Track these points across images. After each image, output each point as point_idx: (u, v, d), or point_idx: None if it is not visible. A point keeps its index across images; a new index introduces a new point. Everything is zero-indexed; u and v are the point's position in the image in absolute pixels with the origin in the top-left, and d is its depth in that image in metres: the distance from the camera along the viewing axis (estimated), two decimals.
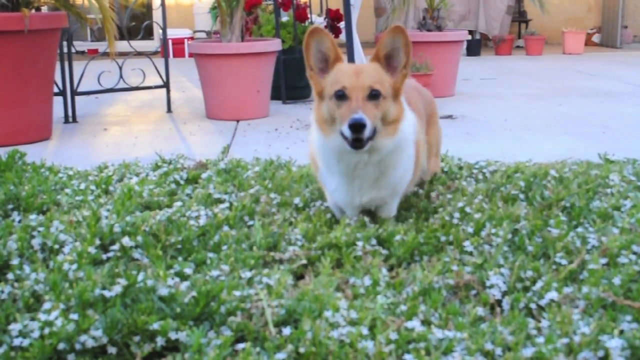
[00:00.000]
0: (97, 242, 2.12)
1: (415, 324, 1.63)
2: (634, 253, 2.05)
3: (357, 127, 2.04)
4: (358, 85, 2.12)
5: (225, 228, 2.32)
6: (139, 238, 2.16)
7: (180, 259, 2.08)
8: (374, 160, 2.23)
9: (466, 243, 2.15)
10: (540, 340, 1.55)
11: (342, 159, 2.24)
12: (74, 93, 5.26)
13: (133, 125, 5.21)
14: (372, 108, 2.11)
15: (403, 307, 1.73)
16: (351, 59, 6.09)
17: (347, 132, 2.07)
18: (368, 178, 2.29)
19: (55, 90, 4.93)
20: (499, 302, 1.83)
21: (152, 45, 9.19)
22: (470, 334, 1.60)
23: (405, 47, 2.21)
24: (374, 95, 2.12)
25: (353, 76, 2.14)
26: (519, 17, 13.24)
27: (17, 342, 1.56)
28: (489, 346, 1.55)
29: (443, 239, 2.22)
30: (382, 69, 2.23)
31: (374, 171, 2.27)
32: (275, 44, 5.50)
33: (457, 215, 2.40)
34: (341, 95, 2.13)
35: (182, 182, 3.01)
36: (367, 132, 2.07)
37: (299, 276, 2.04)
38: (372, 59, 2.26)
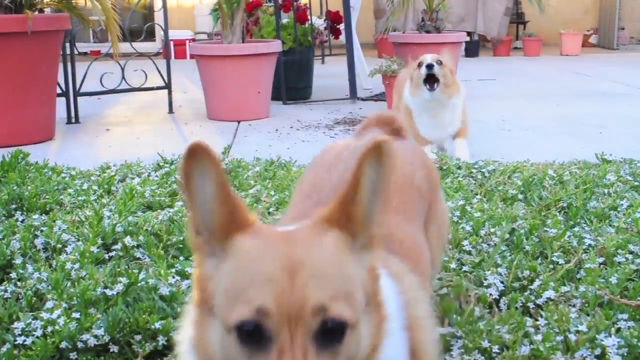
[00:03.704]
0: (100, 241, 2.14)
1: None
2: (630, 252, 2.07)
3: None
4: (292, 308, 0.91)
5: None
6: (141, 238, 2.18)
7: (181, 258, 2.10)
8: None
9: (465, 242, 2.17)
10: (538, 338, 1.57)
11: None
12: (77, 94, 5.27)
13: (135, 125, 5.23)
14: None
15: None
16: (351, 61, 6.11)
17: None
18: None
19: (58, 91, 4.94)
20: (496, 301, 1.85)
21: (154, 46, 9.19)
22: (468, 332, 1.61)
23: (387, 180, 0.98)
24: (329, 329, 0.92)
25: (281, 282, 0.92)
26: (517, 18, 13.24)
27: (20, 340, 1.59)
28: (486, 344, 1.56)
29: None
30: (345, 247, 0.98)
31: None
32: (275, 46, 5.52)
33: (457, 213, 2.42)
34: (251, 333, 0.91)
35: None
36: None
37: None
38: (320, 220, 1.00)
